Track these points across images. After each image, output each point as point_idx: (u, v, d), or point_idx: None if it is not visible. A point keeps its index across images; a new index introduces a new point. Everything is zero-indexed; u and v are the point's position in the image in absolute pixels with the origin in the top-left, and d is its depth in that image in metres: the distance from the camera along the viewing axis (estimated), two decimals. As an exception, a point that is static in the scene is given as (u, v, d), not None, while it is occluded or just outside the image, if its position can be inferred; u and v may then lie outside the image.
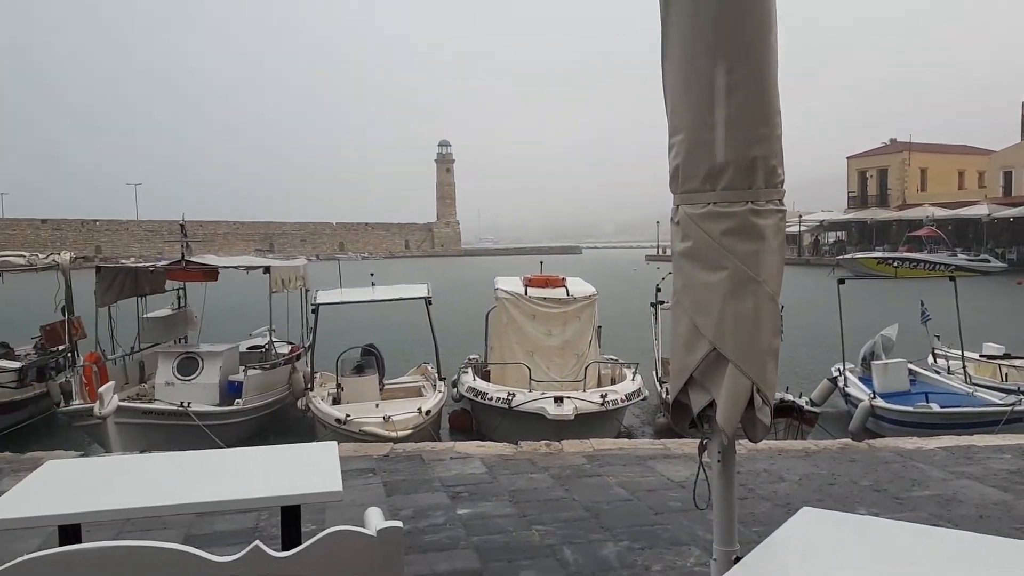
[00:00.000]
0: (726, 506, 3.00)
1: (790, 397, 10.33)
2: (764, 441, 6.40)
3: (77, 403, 10.31)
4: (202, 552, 1.82)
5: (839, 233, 72.13)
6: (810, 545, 2.20)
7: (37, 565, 1.78)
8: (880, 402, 10.98)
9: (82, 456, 6.67)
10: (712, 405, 2.90)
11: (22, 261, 13.62)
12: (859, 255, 51.71)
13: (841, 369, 12.49)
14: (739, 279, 2.73)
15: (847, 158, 75.80)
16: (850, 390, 12.04)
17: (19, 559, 1.77)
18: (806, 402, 10.51)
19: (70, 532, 2.71)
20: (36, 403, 12.72)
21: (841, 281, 12.46)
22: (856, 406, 11.38)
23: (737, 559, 2.72)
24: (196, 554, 1.81)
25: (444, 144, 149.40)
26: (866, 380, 12.09)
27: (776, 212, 2.79)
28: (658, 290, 13.65)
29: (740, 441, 3.08)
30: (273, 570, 1.86)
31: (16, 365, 12.95)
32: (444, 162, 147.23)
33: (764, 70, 2.74)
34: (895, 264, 45.24)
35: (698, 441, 3.08)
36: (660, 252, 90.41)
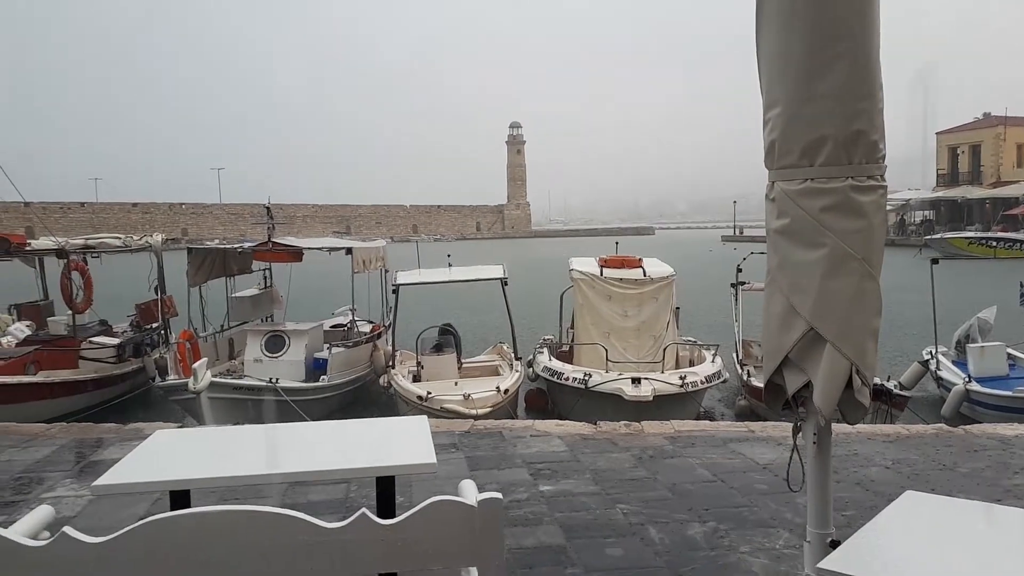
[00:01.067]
0: (821, 489, 2.95)
1: (879, 380, 10.00)
2: (855, 426, 6.23)
3: (172, 378, 10.82)
4: (313, 518, 1.89)
5: (926, 212, 68.98)
6: (914, 529, 2.14)
7: (159, 525, 1.89)
8: (976, 386, 10.52)
9: (181, 427, 7.00)
10: (807, 386, 2.85)
11: (118, 243, 14.33)
12: (949, 235, 49.36)
13: (933, 352, 12.00)
14: (838, 257, 2.66)
15: (937, 134, 72.23)
16: (943, 374, 11.57)
17: (144, 520, 1.88)
18: (895, 385, 10.15)
19: (180, 497, 2.86)
20: (133, 378, 13.42)
21: (935, 261, 11.95)
22: (949, 390, 10.94)
23: (833, 542, 2.67)
24: (307, 519, 1.89)
25: (515, 126, 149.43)
26: (960, 364, 11.58)
27: (877, 188, 2.70)
28: (739, 270, 13.37)
29: (833, 425, 3.01)
30: (378, 536, 1.92)
31: (115, 341, 13.65)
32: (514, 143, 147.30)
33: (867, 43, 2.65)
34: (991, 244, 43.09)
35: (788, 424, 3.04)
36: (737, 232, 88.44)
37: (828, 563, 1.81)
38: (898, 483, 4.81)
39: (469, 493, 2.16)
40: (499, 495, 1.94)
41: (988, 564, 1.90)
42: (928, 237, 50.91)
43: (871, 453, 5.60)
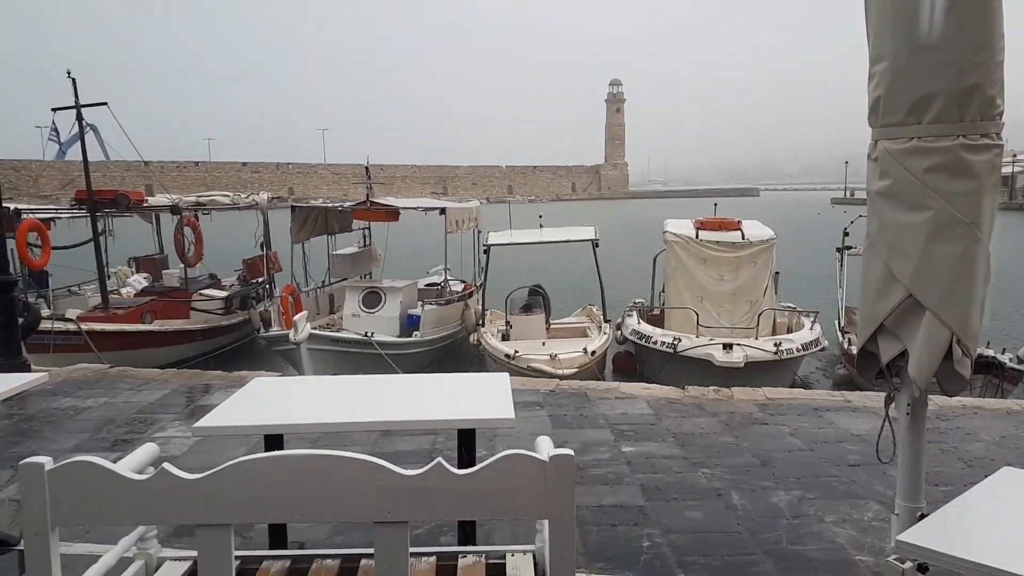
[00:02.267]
0: (913, 461, 2.83)
1: (991, 352, 9.43)
2: (960, 398, 5.93)
3: (275, 330, 11.36)
4: (391, 465, 1.96)
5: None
6: (1010, 506, 2.03)
7: (250, 466, 2.00)
8: None
9: (281, 376, 7.36)
10: (903, 355, 2.72)
11: (227, 200, 15.04)
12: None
13: None
14: (944, 221, 2.51)
15: (1077, 88, 66.30)
16: None
17: (236, 460, 1.99)
18: (1009, 358, 9.55)
19: (274, 441, 3.01)
20: (240, 329, 14.16)
21: None
22: None
23: (922, 516, 2.56)
24: (385, 466, 1.96)
25: (615, 83, 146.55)
26: None
27: (991, 147, 2.52)
28: (846, 234, 12.81)
29: (931, 396, 2.87)
30: (452, 485, 1.98)
31: (223, 294, 14.40)
32: (614, 102, 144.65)
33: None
34: None
35: (884, 394, 2.91)
36: (848, 195, 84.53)
37: (909, 535, 1.75)
38: (1003, 460, 4.55)
39: (543, 448, 2.19)
40: (571, 452, 1.95)
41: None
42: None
43: (976, 428, 5.31)
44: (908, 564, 2.83)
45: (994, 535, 1.83)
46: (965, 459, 4.70)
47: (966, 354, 2.60)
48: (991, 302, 2.70)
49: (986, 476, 2.30)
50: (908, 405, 2.82)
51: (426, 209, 14.06)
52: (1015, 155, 59.49)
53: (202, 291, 14.23)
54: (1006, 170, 57.59)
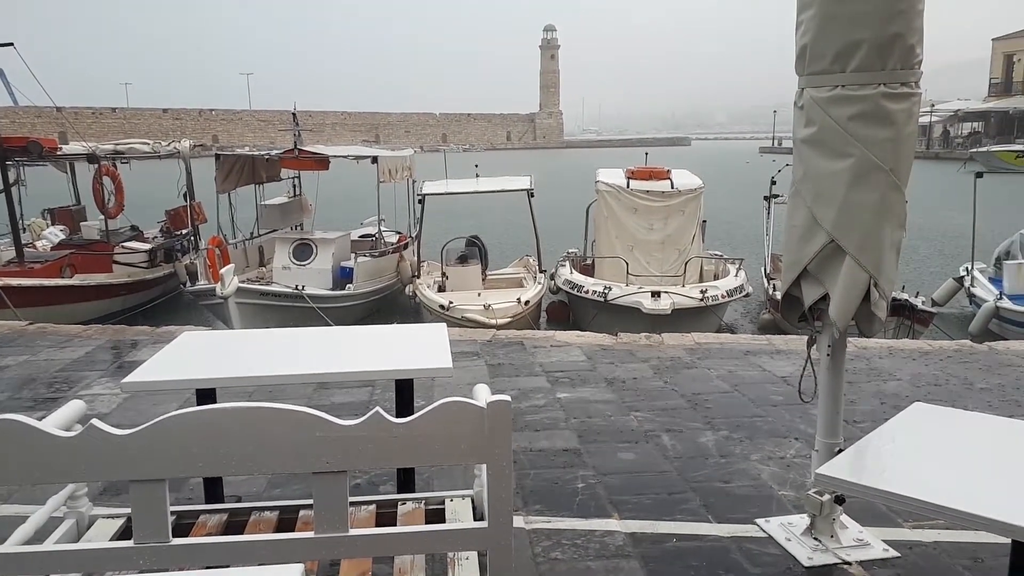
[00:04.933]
0: (832, 399, 2.98)
1: (904, 296, 9.90)
2: (875, 339, 6.22)
3: (202, 283, 11.06)
4: (328, 415, 1.96)
5: (975, 124, 66.30)
6: (920, 439, 2.16)
7: (183, 420, 1.97)
8: (1007, 303, 10.34)
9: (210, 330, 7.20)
10: (825, 299, 2.83)
11: (147, 148, 14.40)
12: (996, 148, 47.42)
13: (969, 268, 11.78)
14: (865, 167, 2.60)
15: (992, 40, 68.61)
16: (976, 291, 11.38)
17: (168, 414, 1.96)
18: (922, 302, 10.04)
19: (207, 396, 2.96)
20: (165, 282, 13.73)
21: (979, 175, 11.56)
22: (981, 307, 10.80)
23: (840, 452, 2.71)
24: (323, 417, 1.95)
25: (549, 29, 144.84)
26: (997, 281, 11.35)
27: (910, 96, 2.61)
28: (773, 183, 13.11)
29: (849, 338, 3.01)
30: (391, 434, 1.99)
31: (147, 247, 13.90)
32: (548, 48, 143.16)
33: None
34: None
35: (807, 337, 3.03)
36: (776, 144, 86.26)
37: (827, 468, 1.85)
38: (915, 398, 4.82)
39: (481, 395, 2.22)
40: (507, 398, 1.98)
41: (988, 474, 1.92)
42: (973, 150, 49.12)
43: (891, 368, 5.60)
44: (827, 497, 3.01)
45: (905, 465, 1.95)
46: (880, 397, 4.96)
47: (883, 296, 2.73)
48: (907, 247, 2.83)
49: (899, 413, 2.43)
50: (828, 347, 2.95)
51: (358, 157, 13.75)
52: (933, 105, 61.53)
53: (124, 244, 13.69)
54: (924, 120, 59.57)
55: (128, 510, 2.43)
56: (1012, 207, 18.86)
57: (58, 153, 13.48)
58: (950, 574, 2.88)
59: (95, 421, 1.93)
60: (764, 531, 3.19)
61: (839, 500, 3.02)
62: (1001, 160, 42.51)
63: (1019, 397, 4.99)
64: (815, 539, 3.04)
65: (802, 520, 3.16)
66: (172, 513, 2.40)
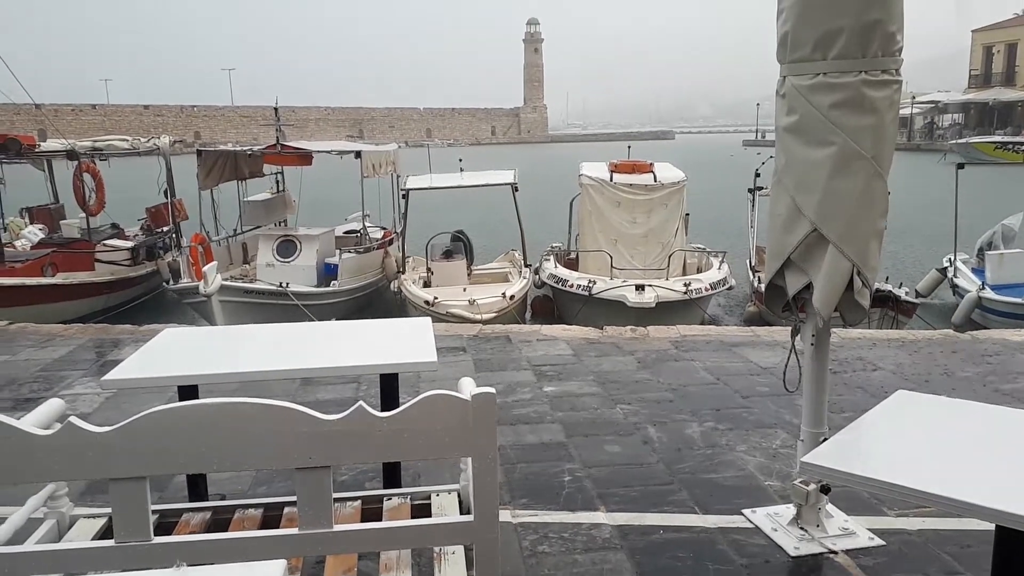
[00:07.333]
0: (817, 388, 2.99)
1: (888, 286, 9.97)
2: (859, 330, 6.26)
3: (185, 281, 10.96)
4: (310, 410, 1.94)
5: (956, 116, 66.86)
6: (904, 426, 2.17)
7: (164, 416, 1.94)
8: (989, 293, 10.45)
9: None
10: (808, 288, 2.84)
11: (126, 145, 14.24)
12: (975, 139, 47.91)
13: (952, 259, 11.88)
14: (847, 155, 2.60)
15: (972, 31, 69.14)
16: (959, 281, 11.48)
17: (149, 410, 1.93)
18: (905, 292, 10.12)
19: (189, 393, 2.93)
20: (148, 280, 13.59)
21: (960, 166, 11.63)
22: (964, 297, 10.89)
23: (825, 440, 2.72)
24: (306, 411, 1.94)
25: (532, 23, 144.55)
26: (979, 272, 11.44)
27: (891, 83, 2.61)
28: (757, 175, 13.15)
29: (833, 329, 3.02)
30: (375, 428, 1.97)
31: (129, 244, 13.75)
32: (532, 42, 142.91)
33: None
34: (1015, 149, 41.89)
35: (790, 327, 3.04)
36: (759, 137, 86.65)
37: (812, 457, 1.85)
38: (899, 387, 4.84)
39: (465, 389, 2.20)
40: (492, 390, 1.97)
41: (973, 460, 1.93)
42: (952, 142, 49.53)
43: (875, 357, 5.64)
44: (812, 486, 3.02)
45: (889, 453, 1.96)
46: (865, 387, 4.99)
47: (866, 285, 2.73)
48: (890, 238, 2.84)
49: (884, 400, 2.44)
50: (812, 336, 2.96)
51: (341, 153, 13.64)
52: (914, 97, 61.98)
53: (106, 242, 13.54)
54: (905, 111, 59.98)
55: (110, 509, 2.41)
56: (996, 198, 19.04)
57: (37, 150, 13.31)
58: (936, 561, 2.90)
59: (73, 419, 1.90)
60: (751, 522, 3.20)
61: (824, 490, 3.03)
62: (980, 151, 42.94)
63: (1001, 384, 5.04)
64: (801, 529, 3.06)
65: (788, 510, 3.17)
66: (154, 512, 2.37)
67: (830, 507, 3.13)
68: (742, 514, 3.26)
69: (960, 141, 48.16)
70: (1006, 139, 46.63)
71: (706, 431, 4.24)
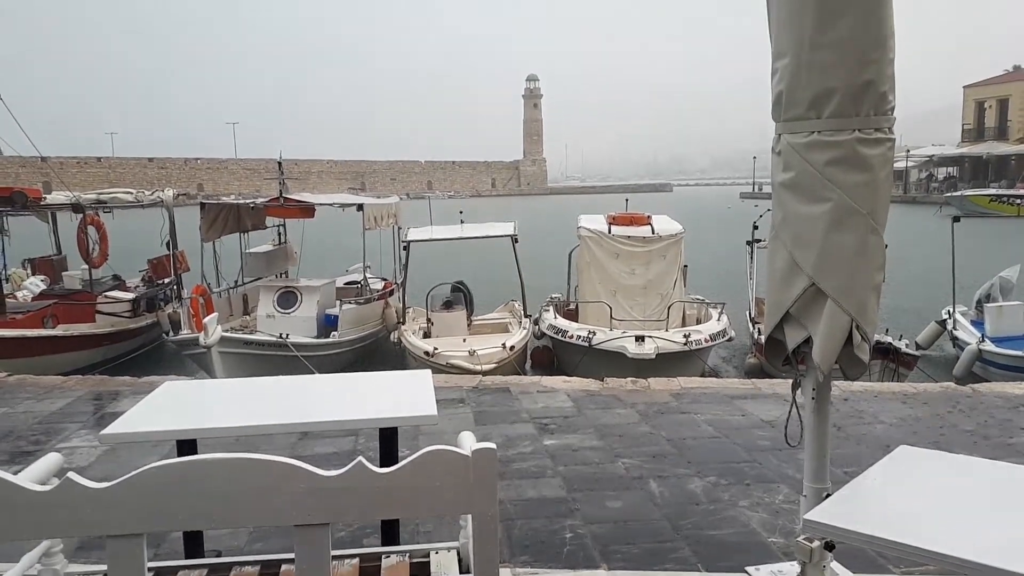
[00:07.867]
0: (818, 443, 2.97)
1: (888, 339, 9.96)
2: (861, 383, 6.24)
3: (185, 332, 10.96)
4: (310, 466, 1.93)
5: (950, 169, 67.70)
6: (907, 482, 2.15)
7: (162, 472, 1.93)
8: (989, 345, 10.44)
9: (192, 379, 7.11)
10: (808, 342, 2.84)
11: (130, 198, 14.38)
12: (970, 192, 48.39)
13: (951, 311, 11.89)
14: (843, 211, 2.63)
15: (964, 87, 70.50)
16: (959, 333, 11.48)
17: (147, 466, 1.92)
18: (905, 345, 10.11)
19: (188, 447, 2.91)
20: (148, 332, 13.59)
21: (956, 219, 11.74)
22: (964, 350, 10.88)
23: (829, 496, 2.69)
24: (304, 467, 1.92)
25: (532, 79, 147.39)
26: (978, 324, 11.46)
27: (884, 141, 2.66)
28: (755, 227, 13.27)
29: (835, 382, 3.02)
30: (374, 484, 1.96)
31: (130, 296, 13.79)
32: (531, 98, 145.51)
33: (878, -10, 2.58)
34: (1013, 202, 42.27)
35: (791, 380, 3.03)
36: (756, 189, 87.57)
37: (815, 514, 1.83)
38: (901, 440, 4.82)
39: (466, 443, 2.19)
40: (493, 446, 1.96)
41: (977, 517, 1.91)
42: (947, 195, 50.02)
43: (876, 411, 5.61)
44: (816, 543, 2.97)
45: (892, 509, 1.94)
46: (866, 441, 4.95)
47: (865, 339, 2.74)
48: (888, 291, 2.86)
49: (885, 456, 2.43)
50: (813, 390, 2.95)
51: (343, 205, 13.79)
52: (908, 150, 62.86)
53: (107, 293, 13.58)
54: (899, 165, 60.74)
55: (105, 567, 2.37)
56: (993, 250, 19.14)
57: (42, 203, 13.44)
58: (943, 620, 2.85)
59: (71, 474, 1.89)
60: (754, 579, 3.15)
61: (829, 547, 2.97)
62: (975, 204, 43.34)
63: (1002, 438, 5.00)
64: (806, 586, 3.00)
65: (792, 568, 3.11)
66: (150, 569, 2.34)
67: (835, 564, 3.07)
68: (745, 571, 3.21)
69: (955, 194, 48.66)
70: (1001, 192, 47.12)
71: (708, 486, 4.19)
